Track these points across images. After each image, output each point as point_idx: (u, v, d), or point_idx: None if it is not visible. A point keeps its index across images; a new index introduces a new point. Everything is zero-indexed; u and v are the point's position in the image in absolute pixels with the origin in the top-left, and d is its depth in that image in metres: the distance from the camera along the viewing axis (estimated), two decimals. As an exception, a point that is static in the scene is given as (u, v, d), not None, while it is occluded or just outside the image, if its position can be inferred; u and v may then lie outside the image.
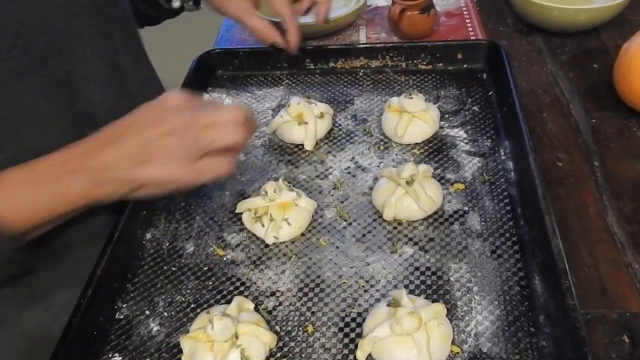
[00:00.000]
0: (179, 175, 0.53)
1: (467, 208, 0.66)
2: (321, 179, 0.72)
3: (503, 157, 0.71)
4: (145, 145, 0.52)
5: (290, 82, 0.90)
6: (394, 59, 0.89)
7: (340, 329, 0.55)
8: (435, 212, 0.65)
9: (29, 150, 0.56)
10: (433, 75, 0.87)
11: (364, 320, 0.55)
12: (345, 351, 0.53)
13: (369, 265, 0.61)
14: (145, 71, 0.80)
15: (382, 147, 0.76)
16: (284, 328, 0.56)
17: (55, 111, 0.62)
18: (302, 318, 0.57)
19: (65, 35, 0.62)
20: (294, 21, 0.77)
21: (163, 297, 0.61)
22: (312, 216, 0.66)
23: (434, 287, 0.58)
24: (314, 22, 0.82)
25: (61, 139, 0.56)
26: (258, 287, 0.60)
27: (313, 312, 0.57)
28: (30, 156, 0.55)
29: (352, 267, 0.61)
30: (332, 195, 0.70)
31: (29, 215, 0.52)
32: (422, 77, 0.87)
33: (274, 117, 0.79)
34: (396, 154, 0.75)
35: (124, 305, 0.60)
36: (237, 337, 0.52)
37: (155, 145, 0.52)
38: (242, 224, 0.67)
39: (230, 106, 0.57)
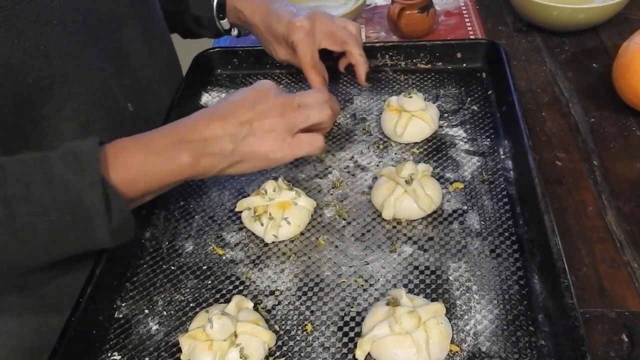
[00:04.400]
0: (276, 149, 0.58)
1: (466, 207, 0.66)
2: (320, 178, 0.72)
3: (502, 156, 0.71)
4: (246, 122, 0.57)
5: (289, 81, 0.90)
6: (393, 58, 0.89)
7: (340, 328, 0.55)
8: (435, 212, 0.65)
9: (82, 115, 0.62)
10: (432, 74, 0.87)
11: (363, 319, 0.55)
12: (345, 350, 0.53)
13: (368, 264, 0.61)
14: (169, 53, 0.84)
15: (381, 146, 0.76)
16: (283, 327, 0.56)
17: (107, 83, 0.66)
18: (301, 317, 0.57)
19: (113, 14, 0.67)
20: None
21: (162, 296, 0.61)
22: (312, 215, 0.66)
23: (433, 286, 0.58)
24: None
25: (110, 108, 0.65)
26: (257, 286, 0.60)
27: (312, 311, 0.57)
28: (83, 121, 0.62)
29: (351, 267, 0.61)
30: (331, 194, 0.70)
31: (139, 183, 0.55)
32: (421, 76, 0.87)
33: None
34: (395, 153, 0.75)
35: (123, 304, 0.60)
36: (236, 336, 0.52)
37: (256, 123, 0.57)
38: (241, 223, 0.67)
39: (313, 90, 0.64)
